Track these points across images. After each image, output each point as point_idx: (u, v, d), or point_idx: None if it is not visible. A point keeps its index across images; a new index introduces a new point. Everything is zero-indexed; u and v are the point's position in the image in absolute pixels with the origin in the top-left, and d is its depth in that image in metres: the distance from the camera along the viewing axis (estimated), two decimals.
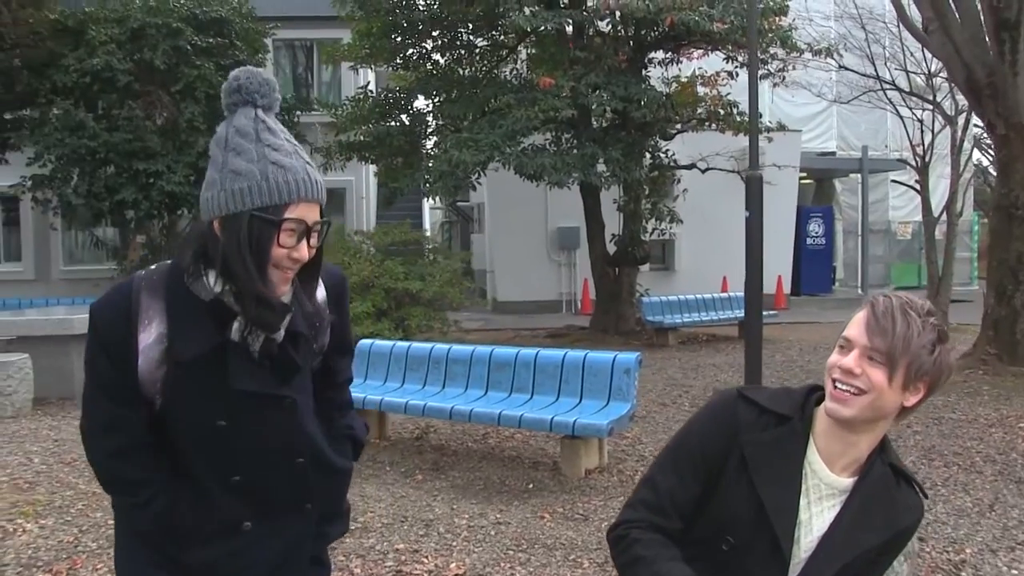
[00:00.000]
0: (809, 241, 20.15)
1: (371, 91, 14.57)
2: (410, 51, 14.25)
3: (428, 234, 20.62)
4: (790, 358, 11.39)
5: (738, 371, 9.71)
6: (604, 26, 13.02)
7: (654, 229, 13.75)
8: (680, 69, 14.06)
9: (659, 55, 13.57)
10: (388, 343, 7.11)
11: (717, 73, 13.73)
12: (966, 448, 6.53)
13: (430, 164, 12.46)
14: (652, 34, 12.77)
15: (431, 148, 14.40)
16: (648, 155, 13.40)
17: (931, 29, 10.12)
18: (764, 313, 13.21)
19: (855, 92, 15.38)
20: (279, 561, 1.80)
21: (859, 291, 20.72)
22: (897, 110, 14.86)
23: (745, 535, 1.73)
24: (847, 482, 1.75)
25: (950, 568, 4.23)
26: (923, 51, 13.02)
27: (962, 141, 14.24)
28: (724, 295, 14.43)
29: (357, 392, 6.58)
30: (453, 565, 4.19)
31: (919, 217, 17.66)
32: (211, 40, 12.42)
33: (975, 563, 4.29)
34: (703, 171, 13.50)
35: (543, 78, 11.69)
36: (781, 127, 13.88)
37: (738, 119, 12.92)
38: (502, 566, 4.20)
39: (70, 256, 18.35)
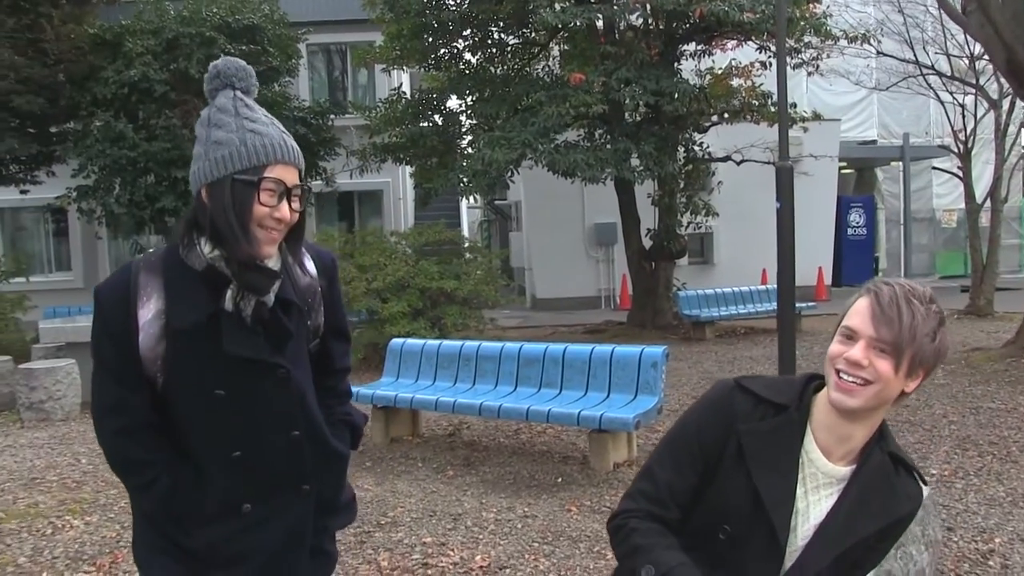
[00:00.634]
0: (850, 231, 19.87)
1: (404, 92, 14.66)
2: (441, 51, 14.32)
3: (465, 233, 20.75)
4: (828, 349, 11.25)
5: (774, 363, 9.64)
6: (635, 20, 12.97)
7: (689, 223, 13.68)
8: (713, 61, 13.96)
9: (691, 47, 13.49)
10: (419, 342, 7.19)
11: (751, 63, 13.63)
12: (1003, 438, 6.42)
13: (463, 164, 12.53)
14: (683, 26, 12.69)
15: (465, 147, 14.48)
16: (682, 148, 13.33)
17: (969, 10, 9.90)
18: (802, 305, 13.19)
19: (895, 79, 15.11)
20: (279, 546, 1.85)
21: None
22: (938, 95, 14.58)
23: (742, 525, 1.73)
24: (845, 471, 1.74)
25: (978, 557, 4.17)
26: (965, 34, 12.77)
27: (1007, 125, 13.95)
28: (761, 288, 14.29)
29: (389, 390, 6.70)
30: (478, 557, 4.25)
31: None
32: (244, 47, 12.59)
33: (1004, 552, 4.23)
34: (738, 163, 13.40)
35: (574, 74, 11.69)
36: (816, 116, 13.72)
37: (772, 110, 12.79)
38: (526, 558, 4.24)
39: (116, 264, 18.75)
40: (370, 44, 15.95)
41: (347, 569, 4.10)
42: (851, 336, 1.65)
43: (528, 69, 14.47)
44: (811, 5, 12.46)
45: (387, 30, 14.20)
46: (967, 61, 13.93)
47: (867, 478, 1.73)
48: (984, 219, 15.13)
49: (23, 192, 14.52)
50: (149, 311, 1.72)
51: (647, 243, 14.03)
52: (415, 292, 10.60)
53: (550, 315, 17.50)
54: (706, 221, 13.73)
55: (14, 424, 8.14)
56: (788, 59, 12.73)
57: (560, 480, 5.68)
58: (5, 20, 12.43)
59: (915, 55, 14.03)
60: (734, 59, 13.98)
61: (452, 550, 4.37)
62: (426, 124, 14.06)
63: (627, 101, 11.78)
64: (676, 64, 13.25)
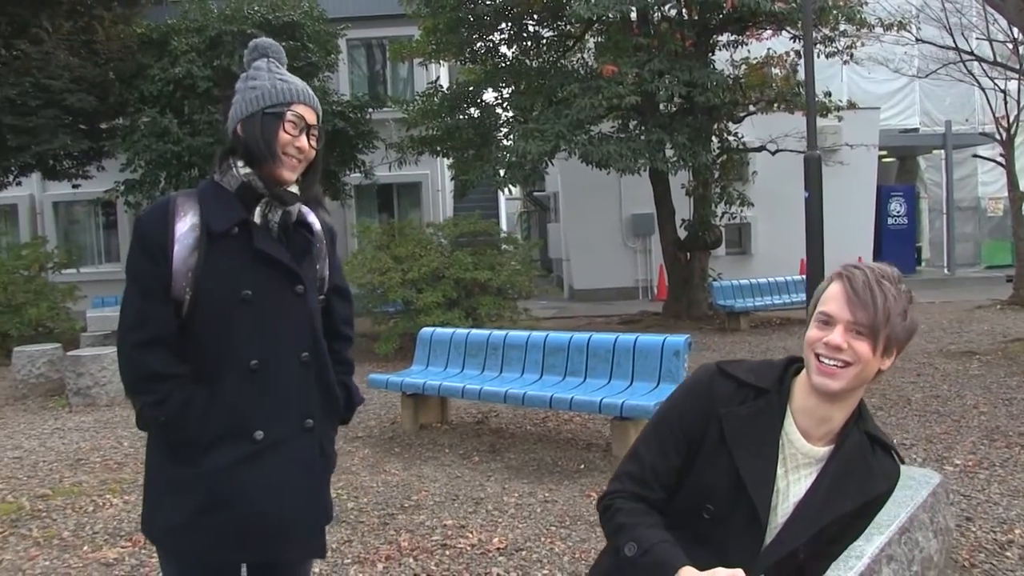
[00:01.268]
0: (890, 221, 19.63)
1: (440, 86, 14.81)
2: (477, 45, 14.45)
3: (503, 224, 20.84)
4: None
5: None
6: (669, 11, 12.97)
7: (723, 213, 13.65)
8: (749, 51, 13.90)
9: (725, 38, 13.44)
10: (448, 331, 7.34)
11: (786, 53, 13.55)
12: None
13: (499, 156, 12.65)
14: (716, 17, 12.66)
15: (501, 139, 14.60)
16: (716, 139, 13.30)
17: None
18: None
19: (935, 66, 14.88)
20: (290, 484, 2.04)
21: (945, 271, 20.07)
22: (978, 81, 14.33)
23: (724, 504, 1.81)
24: (823, 451, 1.82)
25: (995, 547, 4.17)
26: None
27: None
28: (798, 278, 14.21)
29: (418, 378, 6.86)
30: (496, 539, 4.39)
31: None
32: (284, 44, 12.80)
33: (1023, 543, 4.21)
34: (773, 153, 13.35)
35: (606, 66, 11.74)
36: (852, 105, 13.59)
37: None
38: (543, 541, 4.38)
39: None
40: (409, 38, 16.13)
41: (368, 548, 4.27)
42: (828, 321, 1.72)
43: (563, 61, 14.52)
44: None
45: (423, 25, 14.35)
46: (1011, 46, 13.68)
47: (845, 458, 1.80)
48: None
49: (75, 186, 15.00)
50: (185, 224, 1.99)
51: (682, 233, 14.03)
52: (450, 283, 10.75)
53: (587, 306, 17.58)
54: (741, 211, 13.67)
55: (63, 408, 8.49)
56: (822, 48, 12.70)
57: (582, 467, 5.80)
58: (63, 24, 12.87)
59: (955, 41, 13.81)
60: (770, 48, 13.90)
61: (471, 532, 4.52)
62: (462, 117, 14.18)
63: (660, 92, 11.79)
64: (710, 54, 13.21)
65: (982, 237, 22.35)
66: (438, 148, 14.70)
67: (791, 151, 13.47)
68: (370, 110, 15.15)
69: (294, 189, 2.10)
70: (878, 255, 19.27)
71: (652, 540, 1.76)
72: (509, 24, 14.16)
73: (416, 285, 10.71)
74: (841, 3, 12.06)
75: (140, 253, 2.01)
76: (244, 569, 2.19)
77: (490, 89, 14.74)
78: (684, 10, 12.85)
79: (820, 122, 15.22)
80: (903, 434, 6.34)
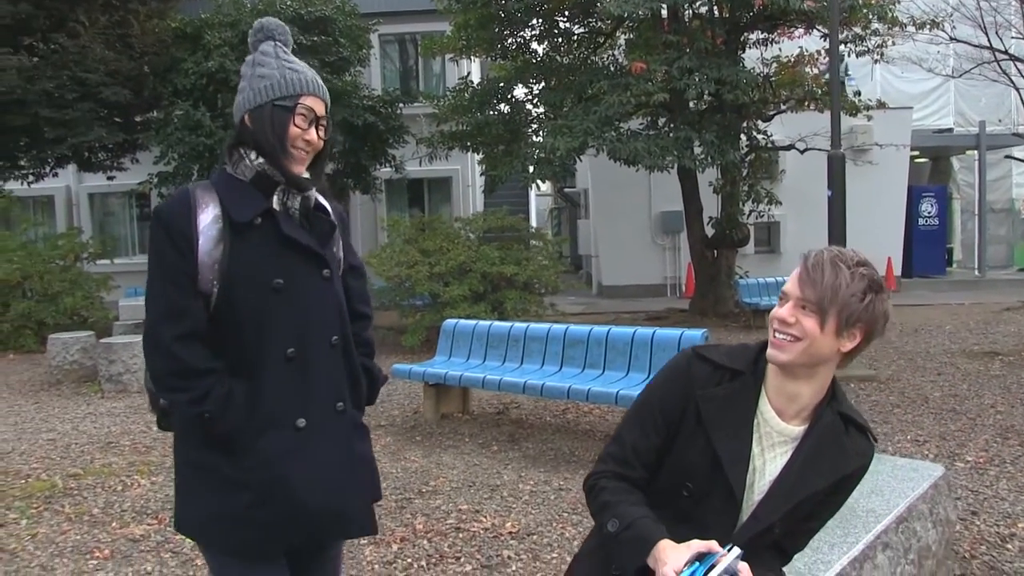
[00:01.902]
0: (921, 221, 19.41)
1: (471, 81, 14.92)
2: (508, 41, 14.53)
3: (533, 220, 20.89)
4: (888, 339, 11.16)
5: None
6: (699, 8, 12.98)
7: (751, 211, 13.64)
8: (780, 49, 13.86)
9: (755, 36, 13.42)
10: (471, 323, 7.45)
11: (817, 52, 13.49)
12: None
13: (527, 152, 12.74)
14: (747, 15, 12.64)
15: (531, 135, 14.68)
16: (744, 137, 13.29)
17: None
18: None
19: (969, 65, 14.71)
20: (333, 467, 2.03)
21: (976, 273, 19.83)
22: (1013, 82, 14.16)
23: (702, 482, 1.90)
24: (798, 430, 1.90)
25: (996, 540, 4.23)
26: None
27: None
28: None
29: (440, 368, 6.98)
30: (508, 524, 4.50)
31: None
32: (316, 39, 13.03)
33: None
34: (802, 151, 13.31)
35: (635, 63, 11.78)
36: (881, 105, 13.50)
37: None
38: (554, 526, 4.48)
39: None
40: (441, 34, 16.25)
41: (384, 530, 4.40)
42: (783, 297, 1.83)
43: (594, 58, 14.56)
44: None
45: (455, 20, 14.47)
46: None
47: (818, 436, 1.89)
48: None
49: (110, 178, 15.30)
50: (208, 216, 1.95)
51: (709, 231, 14.04)
52: (476, 276, 10.86)
53: (615, 302, 17.61)
54: (769, 210, 13.65)
55: (95, 394, 8.73)
56: (852, 47, 12.63)
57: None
58: (99, 17, 13.14)
59: (989, 40, 13.65)
60: (802, 47, 13.84)
61: (485, 517, 4.63)
62: (492, 113, 14.27)
63: (689, 90, 11.81)
64: (740, 52, 13.20)
65: (1015, 239, 22.07)
66: (468, 143, 14.80)
67: (820, 150, 13.41)
68: (401, 105, 15.29)
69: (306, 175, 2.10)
70: (908, 255, 19.11)
71: (633, 516, 1.85)
72: (540, 20, 14.22)
73: (443, 279, 10.84)
74: (873, 1, 11.96)
75: (168, 245, 1.94)
76: None
77: (520, 85, 14.82)
78: (715, 7, 12.84)
79: (851, 122, 15.21)
80: (918, 431, 6.37)
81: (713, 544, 1.77)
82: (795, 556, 2.81)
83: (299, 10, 13.20)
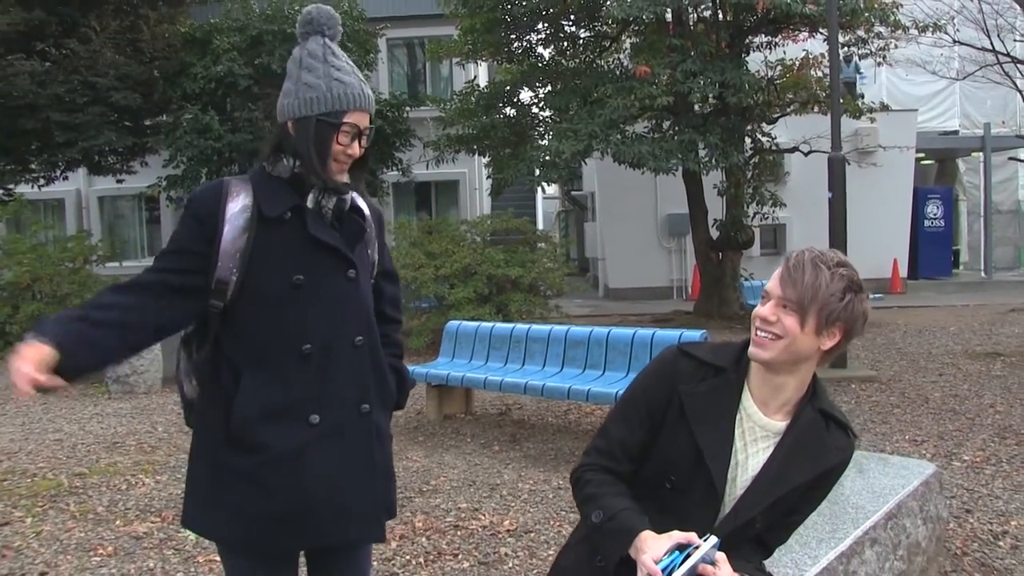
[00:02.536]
0: (926, 223, 19.37)
1: (477, 85, 14.99)
2: (514, 45, 14.59)
3: (540, 223, 20.94)
4: (891, 340, 11.20)
5: None
6: (703, 12, 13.02)
7: (755, 213, 13.66)
8: (784, 52, 13.88)
9: (760, 39, 13.44)
10: (474, 324, 7.52)
11: (822, 55, 13.50)
12: None
13: (533, 155, 12.80)
14: (751, 18, 12.68)
15: (537, 139, 14.73)
16: (749, 139, 13.32)
17: None
18: (869, 296, 13.06)
19: (973, 68, 14.69)
20: (348, 469, 2.02)
21: (982, 274, 19.79)
22: (1015, 84, 14.14)
23: (685, 476, 1.95)
24: (780, 425, 1.95)
25: (988, 538, 4.26)
26: None
27: None
28: None
29: (443, 369, 7.05)
30: (507, 522, 4.56)
31: None
32: None
33: (1017, 535, 4.29)
34: (806, 154, 13.33)
35: (639, 67, 11.82)
36: (885, 107, 13.51)
37: (840, 100, 12.66)
38: (551, 524, 4.54)
39: None
40: (449, 38, 16.34)
41: None
42: (765, 296, 1.89)
43: (599, 62, 14.62)
44: None
45: (461, 24, 14.54)
46: None
47: (799, 432, 1.93)
48: None
49: (119, 181, 15.43)
50: (237, 204, 1.98)
51: (714, 233, 14.07)
52: (481, 279, 10.92)
53: (621, 305, 17.65)
54: (774, 212, 13.67)
55: (102, 395, 8.85)
56: (855, 49, 12.66)
57: None
58: (110, 23, 13.29)
59: (992, 43, 13.63)
60: (806, 50, 13.85)
61: (483, 515, 4.70)
62: (499, 116, 14.34)
63: (693, 93, 11.85)
64: (744, 56, 13.23)
65: (1022, 241, 22.00)
66: (474, 147, 14.86)
67: (824, 152, 13.41)
68: (408, 109, 15.38)
69: (344, 178, 2.10)
70: (914, 257, 19.10)
71: (617, 508, 1.90)
72: (546, 24, 14.28)
73: (449, 281, 10.92)
74: (875, 5, 11.99)
75: (190, 219, 2.00)
76: (304, 554, 2.20)
77: (526, 89, 14.88)
78: (719, 11, 12.88)
79: (855, 124, 15.22)
80: (916, 431, 6.41)
81: (693, 536, 1.81)
82: (783, 550, 2.88)
83: (306, 8, 13.30)
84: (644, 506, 1.93)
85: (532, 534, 4.40)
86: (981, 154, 19.87)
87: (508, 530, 4.45)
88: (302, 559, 2.21)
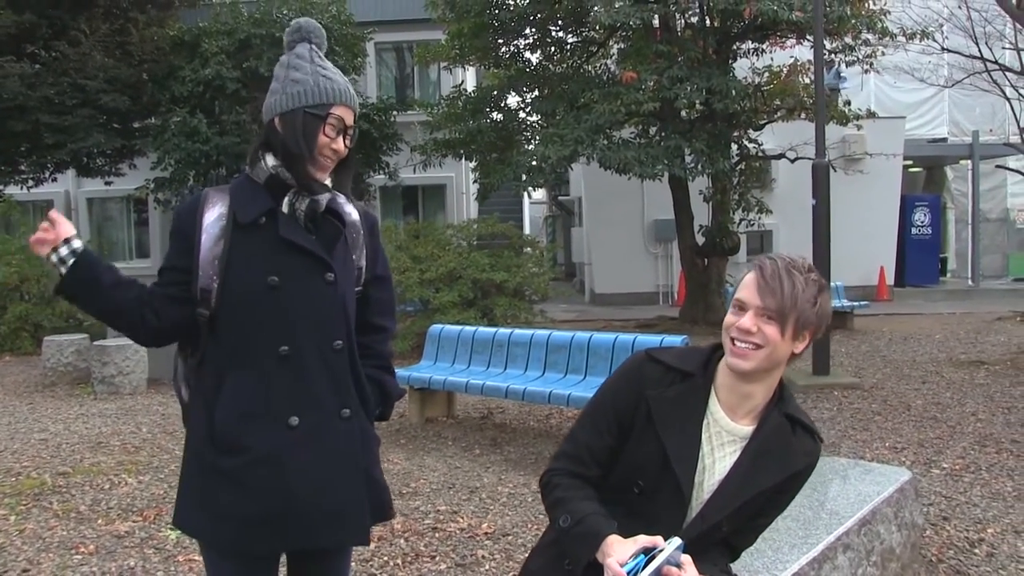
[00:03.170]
0: (914, 231, 19.47)
1: (464, 90, 15.04)
2: (502, 50, 14.64)
3: (527, 228, 20.97)
4: (875, 348, 11.27)
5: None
6: (690, 18, 13.10)
7: (741, 220, 13.74)
8: (772, 59, 13.97)
9: (747, 46, 13.53)
10: (456, 328, 7.55)
11: (809, 61, 13.60)
12: None
13: (519, 160, 12.84)
14: (738, 25, 12.77)
15: (524, 143, 14.78)
16: (735, 146, 13.40)
17: None
18: (853, 303, 13.17)
19: (962, 75, 14.78)
20: (328, 471, 2.02)
21: (970, 282, 19.91)
22: (1003, 91, 14.24)
23: (652, 480, 1.96)
24: (747, 430, 1.97)
25: (964, 545, 4.26)
26: None
27: None
28: None
29: (425, 373, 7.08)
30: (485, 525, 4.59)
31: None
32: None
33: (993, 543, 4.29)
34: (792, 161, 13.42)
35: (626, 72, 11.89)
36: (871, 114, 13.61)
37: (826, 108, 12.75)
38: (529, 527, 4.57)
39: None
40: (437, 42, 16.39)
41: None
42: (741, 307, 1.89)
43: (587, 67, 14.69)
44: (865, 2, 12.39)
45: (449, 29, 14.58)
46: None
47: (765, 436, 1.96)
48: None
49: (108, 183, 15.42)
50: (213, 214, 2.03)
51: (700, 239, 14.14)
52: (466, 283, 10.95)
53: (607, 310, 17.70)
54: (760, 218, 13.75)
55: (88, 396, 8.85)
56: (842, 57, 12.76)
57: None
58: (99, 26, 13.30)
59: (980, 51, 13.73)
60: (794, 57, 13.95)
61: (462, 517, 4.73)
62: (486, 121, 14.38)
63: (679, 99, 11.92)
64: (732, 62, 13.31)
65: (1010, 249, 22.14)
66: (461, 151, 14.90)
67: (810, 159, 13.50)
68: (395, 112, 15.41)
69: (327, 182, 2.11)
70: (901, 265, 19.20)
71: (584, 512, 1.91)
72: (533, 30, 14.35)
73: (434, 285, 10.94)
74: (862, 12, 12.08)
75: (171, 241, 2.09)
76: (284, 556, 2.18)
77: (513, 93, 14.93)
78: (706, 18, 12.96)
79: (842, 131, 15.32)
80: (896, 438, 6.46)
81: (658, 539, 1.83)
82: (754, 555, 2.91)
83: (295, 19, 13.33)
84: (612, 511, 1.95)
85: (510, 537, 4.43)
86: (969, 162, 20.00)
87: (486, 533, 4.48)
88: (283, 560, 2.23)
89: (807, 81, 13.60)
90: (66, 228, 2.05)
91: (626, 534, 1.85)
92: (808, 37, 12.67)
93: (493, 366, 7.01)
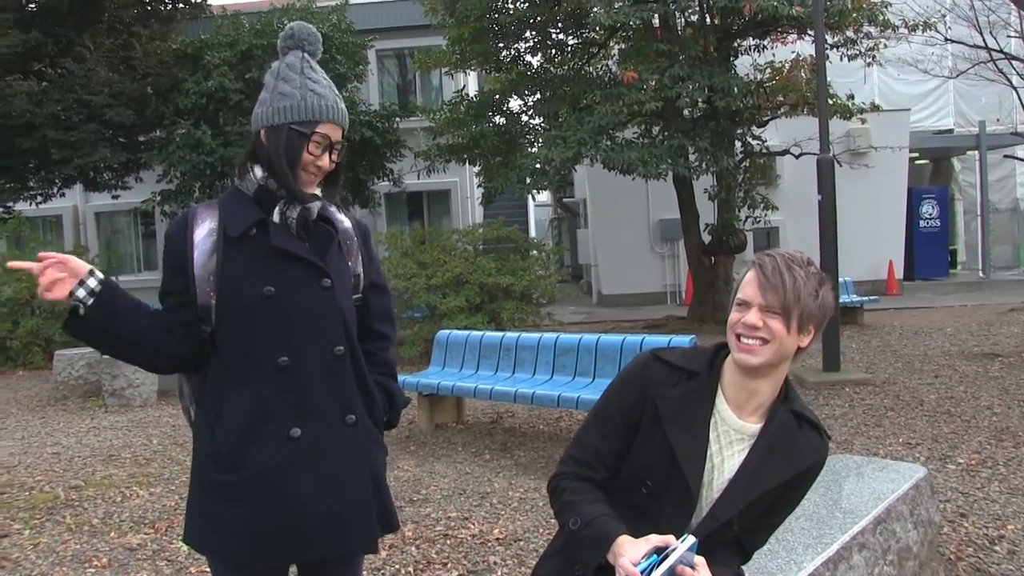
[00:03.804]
0: (922, 224, 19.37)
1: (466, 95, 15.04)
2: (503, 54, 14.64)
3: (532, 231, 20.96)
4: (886, 343, 11.20)
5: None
6: (690, 16, 13.07)
7: (747, 217, 13.69)
8: (774, 55, 13.92)
9: (748, 43, 13.49)
10: (464, 333, 7.53)
11: (810, 56, 13.54)
12: None
13: (522, 163, 12.83)
14: (738, 22, 12.74)
15: (527, 147, 14.77)
16: (739, 143, 13.36)
17: None
18: (863, 298, 13.11)
19: (966, 65, 14.67)
20: (334, 481, 2.00)
21: (980, 274, 19.79)
22: (1009, 81, 14.13)
23: (660, 480, 1.96)
24: (754, 427, 1.96)
25: (984, 542, 4.20)
26: None
27: None
28: None
29: (433, 379, 7.07)
30: (496, 531, 4.57)
31: None
32: None
33: (1015, 539, 4.22)
34: (797, 156, 13.37)
35: (627, 73, 11.87)
36: (876, 108, 13.53)
37: (830, 102, 12.69)
38: (541, 532, 4.55)
39: None
40: (438, 48, 16.40)
41: None
42: (745, 304, 1.89)
43: (588, 68, 14.67)
44: None
45: (449, 35, 14.59)
46: None
47: (772, 434, 1.95)
48: None
49: (115, 197, 15.49)
50: (203, 231, 2.01)
51: (706, 238, 14.11)
52: (473, 288, 10.95)
53: (615, 311, 17.66)
54: (766, 215, 13.70)
55: (99, 409, 8.89)
56: (844, 50, 12.70)
57: None
58: (103, 41, 13.38)
59: (984, 40, 13.63)
60: (796, 52, 13.90)
61: (473, 524, 4.71)
62: (488, 125, 14.38)
63: (682, 98, 11.89)
64: (733, 59, 13.27)
65: (1021, 239, 21.98)
66: (465, 156, 14.90)
67: (815, 154, 13.45)
68: (398, 119, 15.43)
69: (316, 191, 2.09)
70: (910, 258, 19.09)
71: (593, 514, 1.90)
72: (533, 33, 14.34)
73: (440, 290, 10.94)
74: (863, 5, 12.03)
75: (164, 263, 2.05)
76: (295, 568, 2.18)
77: (515, 97, 14.92)
78: (706, 15, 12.93)
79: (847, 125, 15.26)
80: (910, 434, 6.41)
81: (670, 538, 1.81)
82: (768, 555, 2.88)
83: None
84: (621, 512, 1.94)
85: (521, 542, 4.41)
86: (977, 152, 19.87)
87: (497, 538, 4.46)
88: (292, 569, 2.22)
89: (809, 76, 13.55)
90: (79, 263, 1.96)
91: (635, 535, 1.84)
92: (809, 32, 12.64)
93: (501, 370, 6.99)
